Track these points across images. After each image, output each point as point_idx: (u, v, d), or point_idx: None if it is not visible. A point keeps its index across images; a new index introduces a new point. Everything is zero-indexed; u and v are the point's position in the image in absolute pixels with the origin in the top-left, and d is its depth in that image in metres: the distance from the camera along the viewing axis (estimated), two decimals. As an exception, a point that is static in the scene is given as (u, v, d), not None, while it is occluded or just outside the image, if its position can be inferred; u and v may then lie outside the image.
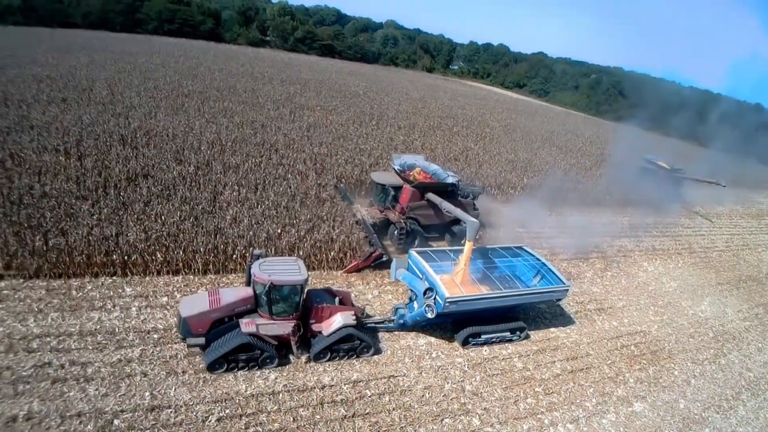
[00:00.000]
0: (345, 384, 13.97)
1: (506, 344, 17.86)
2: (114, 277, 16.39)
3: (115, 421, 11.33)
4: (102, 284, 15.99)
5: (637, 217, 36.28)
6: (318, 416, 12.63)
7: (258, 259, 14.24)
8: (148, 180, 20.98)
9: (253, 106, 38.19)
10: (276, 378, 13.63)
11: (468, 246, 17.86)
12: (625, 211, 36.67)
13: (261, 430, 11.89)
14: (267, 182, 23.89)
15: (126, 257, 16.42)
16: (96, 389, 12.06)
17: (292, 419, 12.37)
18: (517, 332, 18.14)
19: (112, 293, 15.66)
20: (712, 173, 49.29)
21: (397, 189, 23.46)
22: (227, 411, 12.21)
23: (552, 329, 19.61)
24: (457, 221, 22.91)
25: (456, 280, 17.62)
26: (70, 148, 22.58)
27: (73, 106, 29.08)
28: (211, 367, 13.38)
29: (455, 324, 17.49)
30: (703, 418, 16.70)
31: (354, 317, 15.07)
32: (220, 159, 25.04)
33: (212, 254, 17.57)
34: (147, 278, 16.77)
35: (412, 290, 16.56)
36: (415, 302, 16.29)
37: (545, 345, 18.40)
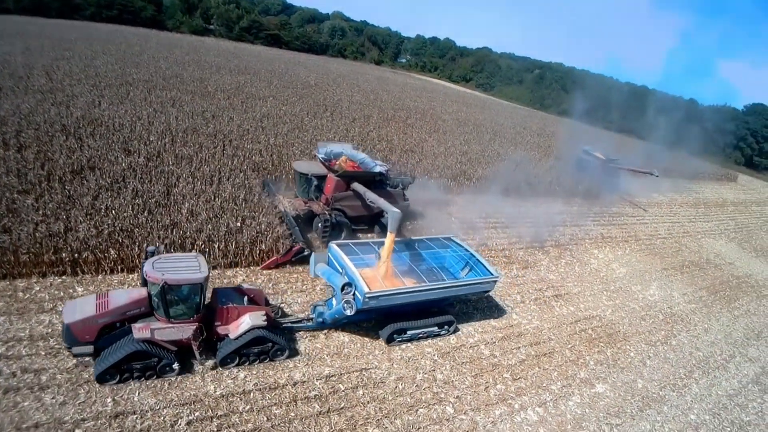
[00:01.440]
0: (317, 379, 13.67)
1: (472, 332, 18.06)
2: (63, 277, 15.34)
3: (77, 431, 10.63)
4: (51, 284, 14.92)
5: (584, 207, 37.64)
6: (292, 414, 12.29)
7: (152, 255, 12.78)
8: (96, 172, 19.75)
9: (203, 95, 36.86)
10: (245, 377, 13.15)
11: (390, 237, 16.85)
12: (573, 201, 37.94)
13: (234, 431, 11.45)
14: (223, 174, 23.06)
15: (76, 255, 15.36)
16: (53, 398, 11.24)
17: (265, 418, 11.97)
18: (446, 326, 17.55)
19: (62, 294, 14.62)
20: (648, 164, 51.97)
21: (321, 179, 22.27)
22: (197, 414, 11.66)
23: (514, 316, 20.00)
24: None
25: (378, 274, 16.60)
26: (9, 138, 20.99)
27: (9, 94, 27.07)
28: (101, 379, 11.89)
29: (380, 320, 16.59)
30: (660, 397, 17.48)
31: (265, 318, 13.78)
32: (171, 150, 23.94)
33: (170, 249, 16.73)
34: (100, 277, 15.79)
35: (330, 286, 15.60)
36: (334, 299, 15.41)
37: (509, 332, 18.73)
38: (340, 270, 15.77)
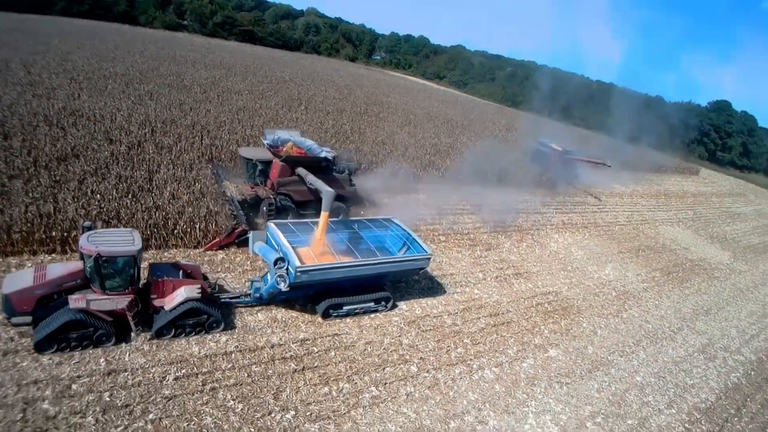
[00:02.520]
0: (293, 343, 15.05)
1: (436, 304, 19.58)
2: (53, 254, 16.37)
3: (73, 386, 11.76)
4: (41, 261, 15.94)
5: (548, 196, 39.54)
6: (270, 371, 13.65)
7: (88, 230, 13.29)
8: (80, 159, 20.74)
9: (180, 89, 37.68)
10: (227, 340, 14.46)
11: (323, 216, 17.37)
12: (537, 191, 39.79)
13: (218, 385, 12.74)
14: (201, 162, 24.14)
15: (65, 234, 16.43)
16: (49, 359, 12.35)
17: (246, 375, 13.29)
18: (383, 302, 18.23)
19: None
20: (613, 157, 54.38)
21: (266, 164, 22.86)
22: (183, 371, 12.92)
23: (476, 291, 21.61)
24: (338, 198, 21.96)
25: (313, 251, 17.07)
26: (-7, 127, 21.83)
27: (-12, 86, 27.71)
28: (39, 348, 12.49)
29: (318, 297, 17.10)
30: (609, 361, 19.26)
31: (200, 291, 14.37)
32: (152, 140, 24.98)
33: (153, 230, 17.85)
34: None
35: (267, 262, 15.77)
36: (269, 275, 15.63)
37: (470, 304, 20.33)
38: (276, 247, 16.23)
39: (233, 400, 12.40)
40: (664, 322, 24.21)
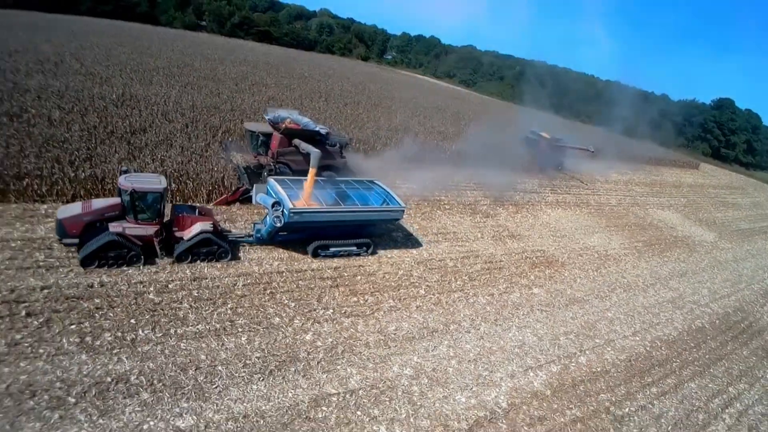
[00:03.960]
0: (328, 269, 19.26)
1: (440, 252, 23.63)
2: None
3: (169, 285, 15.88)
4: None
5: (546, 179, 43.39)
6: (313, 285, 17.89)
7: (125, 173, 16.44)
8: (148, 132, 25.10)
9: (216, 81, 42.09)
10: (278, 264, 18.70)
11: (311, 172, 20.15)
12: (536, 175, 43.62)
13: (275, 291, 16.98)
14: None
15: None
16: (148, 269, 16.57)
17: (295, 286, 17.54)
18: (364, 247, 21.29)
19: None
20: (610, 148, 58.25)
21: (268, 136, 25.64)
22: (249, 281, 17.16)
23: (474, 245, 25.64)
24: (328, 167, 25.49)
25: (305, 199, 19.83)
26: (72, 107, 26.15)
27: (55, 75, 32.02)
28: (84, 263, 15.42)
29: (310, 240, 20.06)
30: (584, 300, 23.24)
31: (212, 226, 17.42)
32: (202, 119, 29.33)
33: (213, 186, 22.14)
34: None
35: (266, 208, 18.70)
36: (268, 217, 18.65)
37: (469, 254, 24.39)
38: (274, 196, 19.02)
39: (287, 300, 16.65)
40: (639, 279, 28.03)
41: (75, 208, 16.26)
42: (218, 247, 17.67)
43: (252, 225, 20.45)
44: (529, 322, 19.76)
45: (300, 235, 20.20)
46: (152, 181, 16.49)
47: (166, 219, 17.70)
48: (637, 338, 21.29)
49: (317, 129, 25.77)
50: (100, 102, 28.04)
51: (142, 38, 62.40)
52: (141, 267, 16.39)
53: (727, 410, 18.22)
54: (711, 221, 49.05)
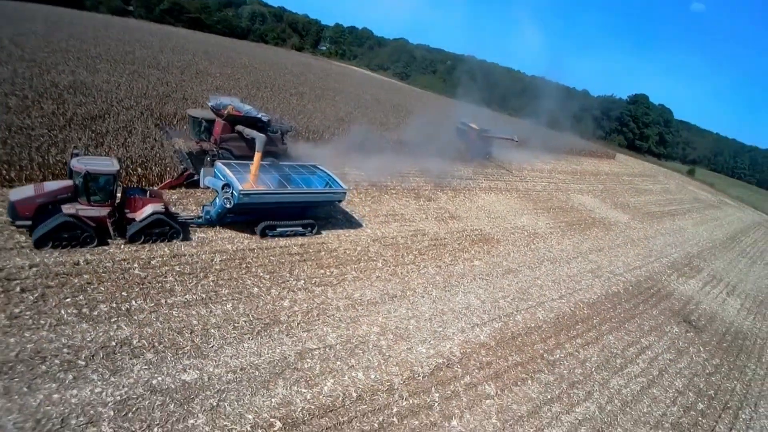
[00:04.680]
0: (294, 245, 21.10)
1: (392, 231, 25.98)
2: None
3: (152, 262, 17.16)
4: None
5: (479, 168, 46.82)
6: (283, 260, 19.72)
7: (77, 156, 16.91)
8: (106, 119, 25.69)
9: (160, 70, 42.11)
10: (249, 242, 20.30)
11: (257, 155, 21.23)
12: (470, 163, 46.93)
13: (250, 265, 18.67)
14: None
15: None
16: (129, 247, 17.76)
17: (267, 261, 19.30)
18: (309, 228, 22.50)
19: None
20: (532, 138, 62.93)
21: (210, 122, 26.21)
22: (225, 257, 18.73)
23: (420, 225, 28.17)
24: (270, 153, 26.20)
25: (252, 181, 20.90)
26: (26, 95, 26.19)
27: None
28: (38, 244, 15.89)
29: (256, 221, 21.12)
30: (518, 270, 26.33)
31: (163, 207, 18.15)
32: (156, 107, 30.04)
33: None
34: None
35: (216, 190, 19.46)
36: (217, 199, 19.45)
37: (416, 233, 26.88)
38: (222, 179, 19.80)
39: (262, 272, 18.40)
40: (563, 253, 31.63)
41: (27, 191, 16.54)
42: (170, 227, 18.45)
43: (201, 207, 21.37)
44: (473, 288, 22.53)
45: (247, 217, 21.16)
46: (105, 164, 17.00)
47: (117, 201, 18.19)
48: (563, 301, 24.58)
49: (259, 116, 26.82)
50: (53, 89, 28.06)
51: (75, 23, 60.39)
52: (94, 248, 16.91)
53: (640, 357, 21.77)
54: (625, 205, 54.42)
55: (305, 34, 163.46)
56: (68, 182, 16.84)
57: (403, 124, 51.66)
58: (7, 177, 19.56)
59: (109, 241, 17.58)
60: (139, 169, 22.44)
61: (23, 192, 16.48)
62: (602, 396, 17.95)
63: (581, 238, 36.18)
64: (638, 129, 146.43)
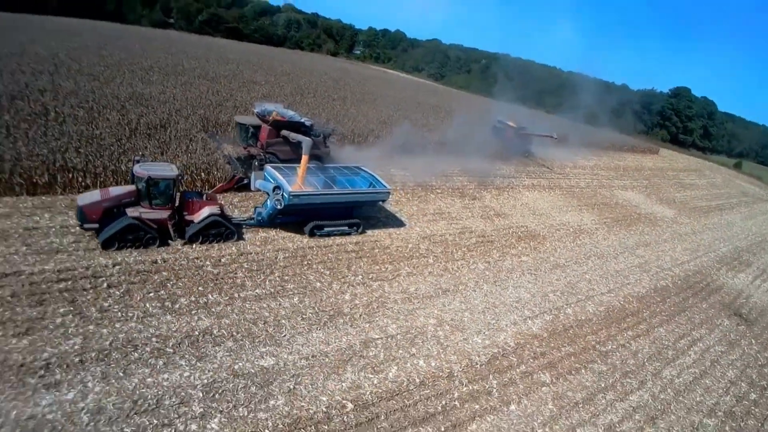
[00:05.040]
0: (349, 243, 22.15)
1: (440, 229, 26.73)
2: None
3: (222, 260, 18.50)
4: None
5: (520, 166, 47.10)
6: (340, 257, 20.83)
7: (139, 162, 18.11)
8: (168, 128, 27.39)
9: (209, 80, 44.00)
10: (307, 241, 21.46)
11: (304, 158, 21.79)
12: (511, 161, 47.23)
13: (311, 261, 19.86)
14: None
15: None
16: (197, 248, 19.10)
17: (326, 258, 20.44)
18: (354, 227, 23.29)
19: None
20: (573, 135, 62.58)
21: (257, 128, 27.26)
22: (287, 254, 19.95)
23: (467, 223, 28.84)
24: (315, 157, 26.66)
25: (300, 183, 21.48)
26: (92, 106, 28.11)
27: (57, 76, 33.43)
28: (105, 246, 17.00)
29: (304, 222, 21.95)
30: (565, 265, 26.71)
31: (219, 209, 19.26)
32: (213, 116, 31.69)
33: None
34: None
35: (266, 193, 20.67)
36: (268, 200, 20.48)
37: (464, 230, 27.57)
38: (272, 181, 20.68)
39: (322, 269, 19.55)
40: (610, 249, 31.73)
41: (94, 196, 17.64)
42: (225, 228, 19.43)
43: (253, 209, 22.30)
44: (522, 282, 23.10)
45: (296, 218, 21.97)
46: (165, 169, 18.17)
47: (176, 204, 19.21)
48: (612, 295, 24.85)
49: (302, 120, 27.53)
50: (115, 101, 29.92)
51: (122, 37, 63.16)
52: (156, 248, 18.02)
53: (691, 348, 21.91)
54: (671, 200, 53.56)
55: (339, 39, 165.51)
56: (131, 187, 18.01)
57: (443, 124, 52.23)
58: (83, 183, 21.26)
59: (170, 241, 18.69)
60: (203, 174, 23.86)
61: (90, 197, 17.61)
62: (655, 385, 18.29)
63: (627, 234, 36.10)
64: (681, 123, 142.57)
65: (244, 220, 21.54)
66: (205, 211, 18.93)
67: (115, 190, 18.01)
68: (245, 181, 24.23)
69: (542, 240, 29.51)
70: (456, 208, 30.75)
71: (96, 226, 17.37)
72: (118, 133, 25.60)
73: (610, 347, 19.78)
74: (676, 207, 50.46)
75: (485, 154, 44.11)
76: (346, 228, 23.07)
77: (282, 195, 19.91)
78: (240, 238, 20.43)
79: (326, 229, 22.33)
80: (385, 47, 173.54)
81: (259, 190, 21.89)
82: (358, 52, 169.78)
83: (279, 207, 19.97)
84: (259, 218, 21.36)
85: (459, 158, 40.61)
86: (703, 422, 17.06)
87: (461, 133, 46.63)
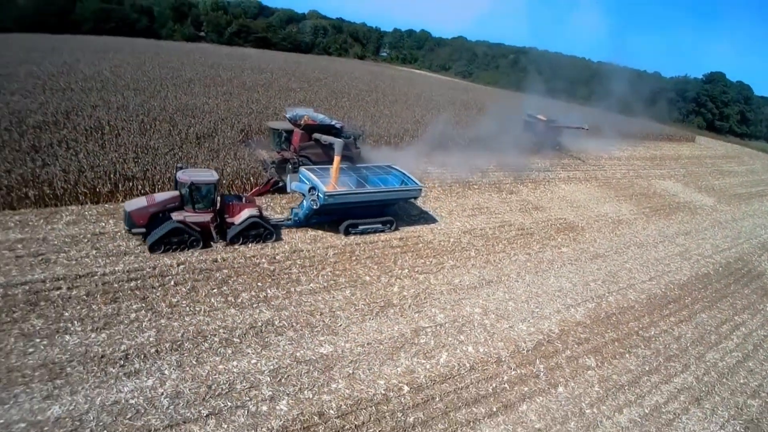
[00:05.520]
0: (393, 239, 23.08)
1: (479, 223, 27.40)
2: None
3: (277, 257, 19.64)
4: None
5: (555, 159, 47.15)
6: (386, 252, 21.78)
7: (181, 169, 19.07)
8: (216, 137, 28.88)
9: (247, 89, 45.72)
10: (354, 238, 22.49)
11: (336, 159, 22.37)
12: (546, 155, 47.34)
13: (359, 257, 20.85)
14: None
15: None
16: (252, 249, 20.29)
17: (373, 253, 21.45)
18: (388, 224, 23.83)
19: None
20: (607, 126, 62.09)
21: (289, 133, 27.92)
22: (336, 251, 21.06)
23: (506, 217, 29.40)
24: (347, 158, 26.55)
25: (334, 183, 22.08)
26: (143, 119, 29.80)
27: (105, 91, 35.41)
28: (152, 249, 17.90)
29: (339, 221, 22.61)
30: (605, 255, 27.02)
31: (258, 211, 20.00)
32: (256, 124, 33.15)
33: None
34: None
35: (302, 194, 21.07)
36: (305, 201, 21.01)
37: (503, 224, 28.16)
38: (308, 183, 21.26)
39: (370, 263, 20.55)
40: (650, 238, 31.74)
41: (141, 202, 18.60)
42: (264, 229, 20.20)
43: (290, 210, 23.24)
44: (563, 272, 23.60)
45: (331, 217, 22.71)
46: (206, 175, 19.13)
47: (217, 207, 20.02)
48: (653, 283, 25.05)
49: (333, 123, 28.14)
50: (163, 113, 31.63)
51: (159, 53, 65.66)
52: (199, 249, 18.95)
53: (734, 333, 22.02)
54: (710, 188, 52.65)
55: (366, 43, 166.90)
56: (175, 193, 18.93)
57: (476, 121, 52.72)
58: (143, 191, 22.68)
59: (212, 243, 19.63)
60: (252, 179, 25.17)
61: (137, 203, 18.60)
62: (698, 368, 18.59)
63: (667, 223, 35.95)
64: (717, 109, 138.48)
65: (282, 221, 22.40)
66: (245, 213, 19.78)
67: (160, 196, 18.95)
68: (280, 185, 25.18)
69: (581, 231, 29.83)
70: (494, 203, 31.34)
71: (143, 230, 18.32)
72: (170, 142, 27.22)
73: (652, 333, 20.13)
74: (715, 195, 49.65)
75: (519, 149, 44.38)
76: (380, 226, 23.61)
77: (317, 195, 20.56)
78: (279, 238, 21.25)
79: (360, 228, 22.90)
80: (411, 48, 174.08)
81: (295, 191, 22.48)
82: (385, 54, 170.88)
83: (315, 207, 20.62)
84: (296, 218, 22.13)
85: (494, 153, 41.06)
86: (747, 403, 17.30)
87: (494, 129, 47.06)
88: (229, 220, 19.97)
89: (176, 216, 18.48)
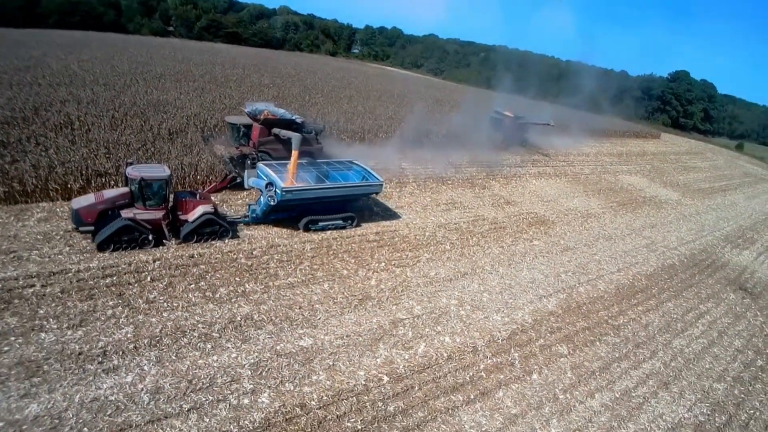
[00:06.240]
0: (370, 234, 23.30)
1: (454, 218, 27.85)
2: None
3: (254, 252, 19.64)
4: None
5: (526, 155, 48.08)
6: (363, 246, 22.01)
7: (131, 165, 18.39)
8: (187, 132, 28.59)
9: (219, 85, 45.22)
10: (330, 233, 22.64)
11: (294, 154, 21.85)
12: (517, 151, 48.20)
13: (336, 251, 21.05)
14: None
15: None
16: (229, 244, 20.28)
17: (350, 247, 21.63)
18: (349, 220, 23.49)
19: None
20: (575, 124, 63.48)
21: (248, 128, 27.36)
22: (314, 245, 21.14)
23: (479, 212, 29.95)
24: (307, 153, 26.55)
25: (291, 178, 21.70)
26: (113, 114, 29.30)
27: (74, 86, 34.60)
28: (101, 248, 17.23)
29: (299, 217, 22.28)
30: (575, 248, 27.78)
31: (213, 208, 19.44)
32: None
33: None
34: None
35: (260, 190, 20.70)
36: (262, 197, 20.65)
37: (476, 218, 28.68)
38: (265, 178, 20.83)
39: (348, 257, 20.75)
40: (617, 231, 32.76)
41: (89, 199, 17.91)
42: (219, 226, 19.65)
43: (247, 206, 22.75)
44: (535, 265, 24.22)
45: (290, 213, 22.34)
46: (157, 170, 18.42)
47: (170, 204, 19.46)
48: (621, 274, 25.91)
49: (293, 118, 27.62)
50: (135, 108, 31.13)
51: (128, 48, 64.20)
52: (151, 249, 18.23)
53: (699, 321, 22.98)
54: (675, 183, 54.53)
55: (338, 39, 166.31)
56: (125, 189, 18.33)
57: (448, 118, 53.27)
58: (115, 187, 22.18)
59: (165, 242, 19.01)
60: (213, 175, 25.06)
61: (85, 200, 17.94)
62: (666, 354, 19.38)
63: (633, 217, 37.11)
64: (681, 106, 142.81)
65: (239, 218, 21.95)
66: (199, 210, 19.17)
67: (109, 193, 18.34)
68: (238, 180, 24.79)
69: (552, 225, 30.59)
70: (467, 198, 31.86)
71: (92, 228, 17.71)
72: (141, 138, 26.84)
73: (621, 321, 20.88)
74: (680, 189, 51.41)
75: (489, 145, 45.10)
76: (340, 222, 23.32)
77: (275, 191, 20.23)
78: (234, 236, 20.74)
79: (321, 224, 22.62)
80: (383, 45, 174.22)
81: (252, 187, 22.24)
82: (357, 50, 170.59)
83: (272, 203, 20.31)
84: (254, 215, 21.76)
85: (467, 150, 41.65)
86: (713, 387, 18.14)
87: (466, 126, 47.65)
88: (182, 217, 19.34)
89: (126, 213, 17.83)
